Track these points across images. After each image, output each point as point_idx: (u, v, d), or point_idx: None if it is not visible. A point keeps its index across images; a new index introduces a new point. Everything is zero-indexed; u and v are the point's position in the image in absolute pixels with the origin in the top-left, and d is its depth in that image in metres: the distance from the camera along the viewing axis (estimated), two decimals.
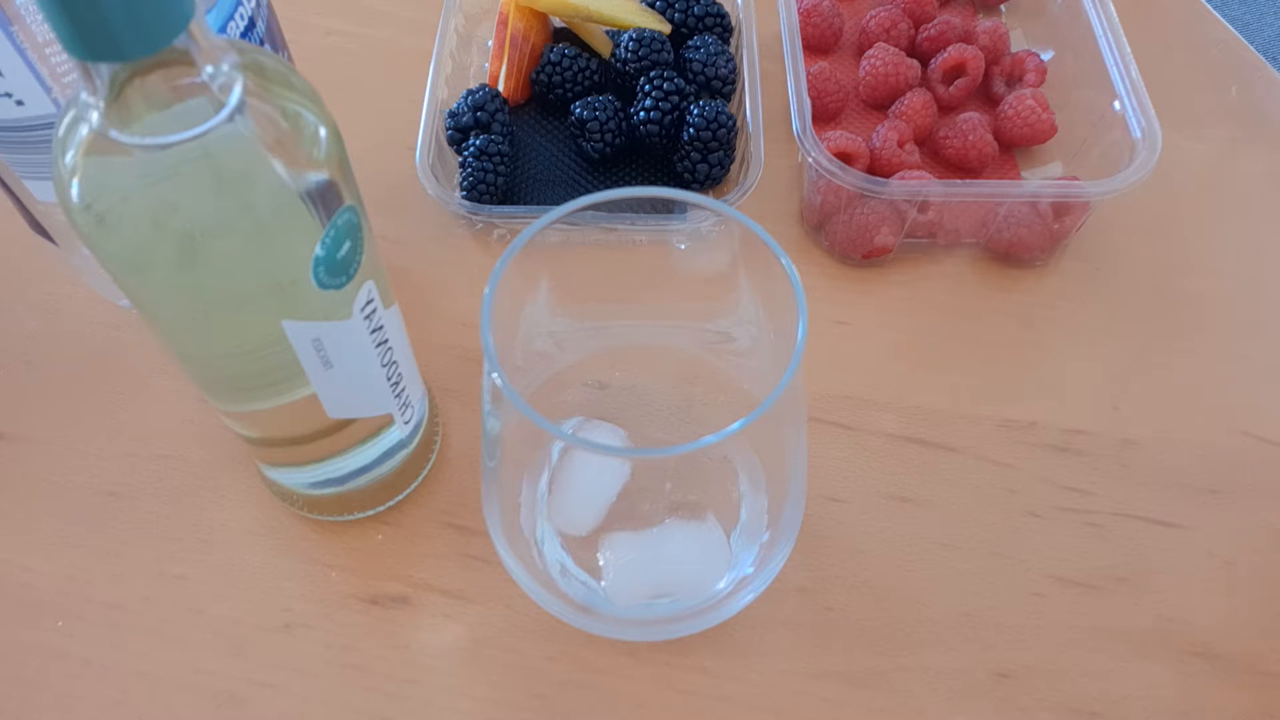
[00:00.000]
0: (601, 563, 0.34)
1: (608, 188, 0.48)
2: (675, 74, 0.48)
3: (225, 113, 0.23)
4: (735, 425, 0.25)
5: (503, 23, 0.50)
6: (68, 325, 0.44)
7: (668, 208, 0.44)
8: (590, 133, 0.47)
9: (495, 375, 0.26)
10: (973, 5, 0.56)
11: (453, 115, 0.48)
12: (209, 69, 0.23)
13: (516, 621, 0.36)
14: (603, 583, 0.33)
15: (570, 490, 0.34)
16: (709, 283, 0.35)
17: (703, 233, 0.44)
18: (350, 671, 0.35)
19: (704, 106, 0.46)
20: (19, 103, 0.32)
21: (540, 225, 0.29)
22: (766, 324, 0.32)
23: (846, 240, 0.46)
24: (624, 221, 0.30)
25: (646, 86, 0.48)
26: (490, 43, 0.52)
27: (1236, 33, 0.56)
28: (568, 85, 0.50)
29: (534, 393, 0.36)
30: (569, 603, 0.32)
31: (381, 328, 0.31)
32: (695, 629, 0.32)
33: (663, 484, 0.35)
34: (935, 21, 0.52)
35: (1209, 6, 0.57)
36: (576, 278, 0.35)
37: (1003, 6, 0.56)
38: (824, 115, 0.50)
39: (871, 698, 0.35)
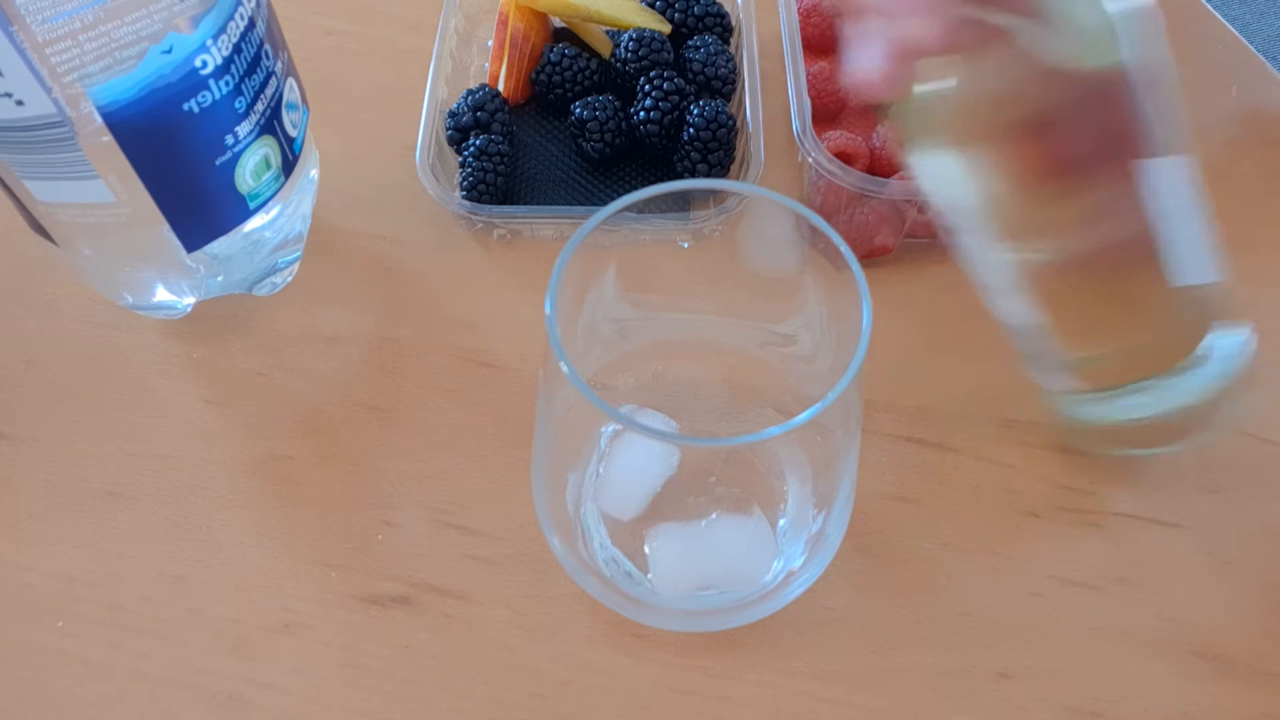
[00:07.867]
0: (648, 553, 0.34)
1: (608, 188, 0.49)
2: (675, 74, 0.48)
3: None
4: (803, 416, 0.25)
5: (503, 23, 0.50)
6: (68, 325, 0.44)
7: (683, 205, 0.44)
8: (590, 133, 0.47)
9: (563, 364, 0.26)
10: None
11: (453, 115, 0.48)
12: None
13: (516, 621, 0.36)
14: (649, 574, 0.34)
15: (618, 473, 0.35)
16: (775, 282, 0.35)
17: (706, 232, 0.44)
18: (350, 671, 0.35)
19: (704, 106, 0.46)
20: (19, 103, 0.32)
21: (593, 223, 0.29)
22: (829, 328, 0.32)
23: (846, 240, 0.45)
24: (629, 221, 0.30)
25: (646, 86, 0.48)
26: (490, 43, 0.52)
27: (1236, 33, 0.56)
28: (568, 85, 0.50)
29: (589, 378, 0.36)
30: (613, 589, 0.33)
31: None
32: (746, 620, 0.33)
33: (708, 477, 0.35)
34: None
35: (1209, 6, 0.57)
36: (643, 268, 0.35)
37: None
38: (824, 115, 0.50)
39: (871, 698, 0.35)
